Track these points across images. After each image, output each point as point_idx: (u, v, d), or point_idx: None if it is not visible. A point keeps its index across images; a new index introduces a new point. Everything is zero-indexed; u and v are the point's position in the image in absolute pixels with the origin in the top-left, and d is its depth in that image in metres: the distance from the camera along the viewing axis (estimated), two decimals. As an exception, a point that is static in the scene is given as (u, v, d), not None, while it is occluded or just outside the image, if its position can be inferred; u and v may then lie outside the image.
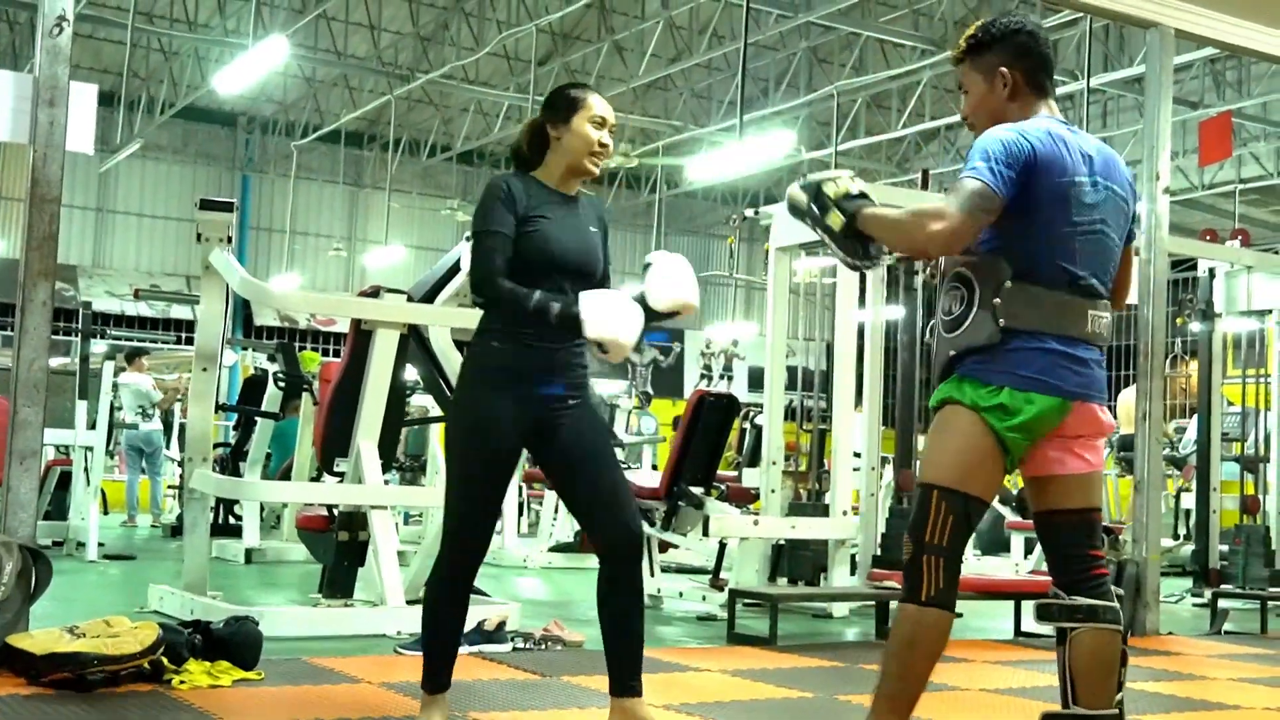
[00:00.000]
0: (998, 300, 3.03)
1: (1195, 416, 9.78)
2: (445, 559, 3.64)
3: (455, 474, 3.60)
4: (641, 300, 3.60)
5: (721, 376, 19.55)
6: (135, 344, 14.26)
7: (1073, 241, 3.08)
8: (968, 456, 3.05)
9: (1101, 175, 3.15)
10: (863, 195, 3.13)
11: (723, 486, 8.30)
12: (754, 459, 10.50)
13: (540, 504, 11.04)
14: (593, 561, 10.95)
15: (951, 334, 3.10)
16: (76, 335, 11.33)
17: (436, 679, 3.70)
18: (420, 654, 5.17)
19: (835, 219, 3.11)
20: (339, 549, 6.33)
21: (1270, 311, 8.94)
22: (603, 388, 18.83)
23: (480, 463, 3.57)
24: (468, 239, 6.91)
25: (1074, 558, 3.14)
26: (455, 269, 6.83)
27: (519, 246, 3.53)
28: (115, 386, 12.32)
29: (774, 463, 7.37)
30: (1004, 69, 3.20)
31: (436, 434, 11.93)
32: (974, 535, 10.13)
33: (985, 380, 3.04)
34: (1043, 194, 3.04)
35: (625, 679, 3.65)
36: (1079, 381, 3.07)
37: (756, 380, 16.53)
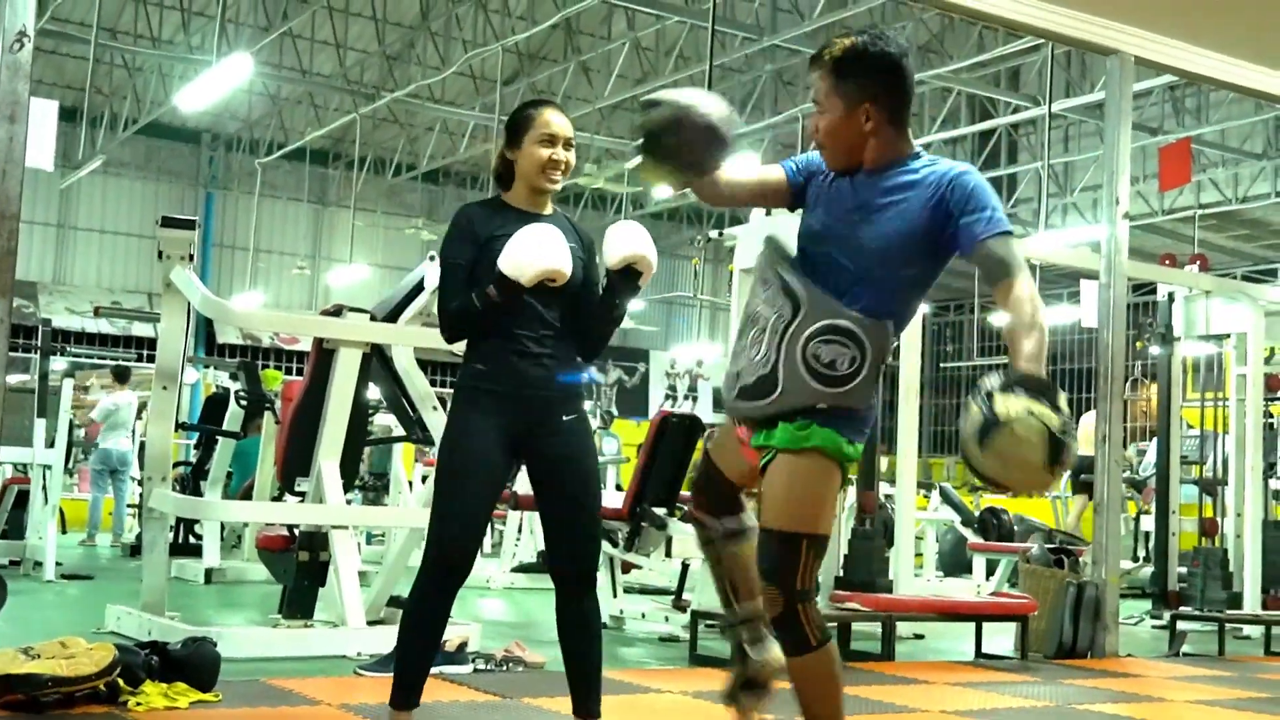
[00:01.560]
0: (881, 369, 3.10)
1: (1155, 439, 9.85)
2: (428, 573, 3.60)
3: (442, 487, 3.60)
4: (606, 272, 3.67)
5: (686, 397, 19.54)
6: (119, 362, 14.07)
7: None
8: (828, 503, 3.12)
9: None
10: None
11: (686, 507, 8.28)
12: (717, 480, 10.49)
13: (503, 524, 11.01)
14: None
15: (827, 388, 3.03)
16: (36, 352, 11.20)
17: (407, 696, 3.66)
18: (380, 675, 5.14)
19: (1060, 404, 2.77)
20: (299, 569, 6.28)
21: (1228, 336, 9.02)
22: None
23: (465, 473, 3.55)
24: (431, 258, 6.93)
25: (730, 496, 3.45)
26: (419, 288, 6.82)
27: (484, 271, 3.53)
28: (113, 410, 12.24)
29: (737, 484, 7.35)
30: (869, 105, 3.05)
31: (399, 454, 11.92)
32: (936, 557, 10.12)
33: (853, 437, 3.09)
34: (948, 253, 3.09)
35: (584, 702, 3.70)
36: None
37: (720, 401, 16.54)
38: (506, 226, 3.59)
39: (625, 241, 3.62)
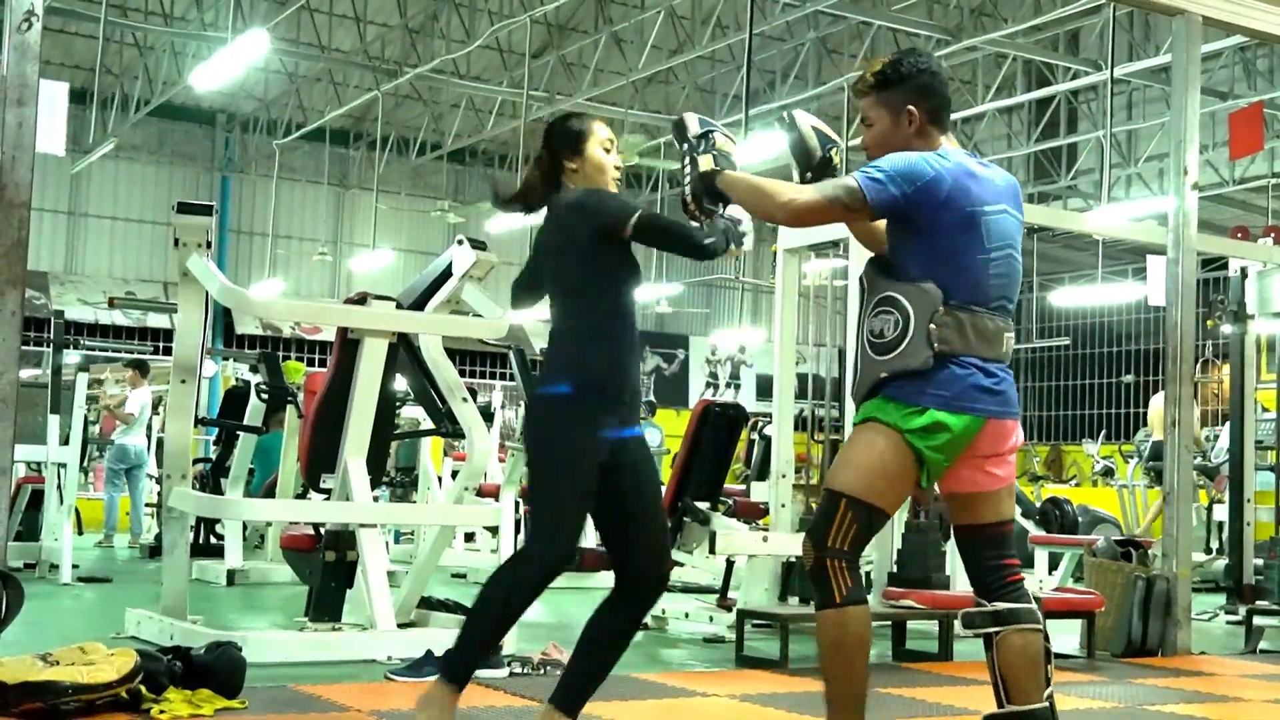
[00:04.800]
0: (933, 326, 3.37)
1: (1228, 423, 9.78)
2: (535, 574, 3.81)
3: (563, 493, 3.74)
4: None
5: (728, 385, 19.52)
6: (139, 356, 14.17)
7: (988, 268, 3.44)
8: (879, 471, 3.38)
9: (1008, 203, 3.51)
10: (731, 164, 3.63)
11: (730, 501, 8.29)
12: (763, 472, 10.49)
13: (538, 521, 11.03)
14: (593, 580, 10.93)
15: (883, 356, 3.41)
16: (48, 346, 11.31)
17: (466, 674, 3.81)
18: (411, 680, 5.19)
19: (708, 161, 3.61)
20: (326, 570, 6.33)
21: (1305, 312, 8.93)
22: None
23: (585, 485, 3.72)
24: (460, 242, 6.94)
25: (989, 568, 3.51)
26: (446, 274, 6.83)
27: (625, 254, 3.82)
28: (145, 405, 12.37)
29: (783, 475, 7.37)
30: (911, 107, 3.54)
31: (427, 448, 11.97)
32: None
33: (911, 402, 3.36)
34: (954, 223, 3.40)
35: (572, 702, 3.85)
36: (993, 401, 3.42)
37: (765, 388, 16.50)
38: None
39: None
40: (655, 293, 24.74)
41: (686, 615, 7.64)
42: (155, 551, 10.30)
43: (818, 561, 3.36)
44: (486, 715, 4.61)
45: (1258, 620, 7.63)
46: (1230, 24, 7.93)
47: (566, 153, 3.94)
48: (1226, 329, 9.29)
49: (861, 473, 3.38)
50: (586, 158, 3.93)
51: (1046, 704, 3.47)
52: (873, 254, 3.61)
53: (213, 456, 12.22)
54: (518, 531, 12.02)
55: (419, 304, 6.88)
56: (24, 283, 4.72)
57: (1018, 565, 3.56)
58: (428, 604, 6.72)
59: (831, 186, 3.41)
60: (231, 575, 9.43)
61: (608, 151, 3.97)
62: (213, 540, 10.93)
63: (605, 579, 10.50)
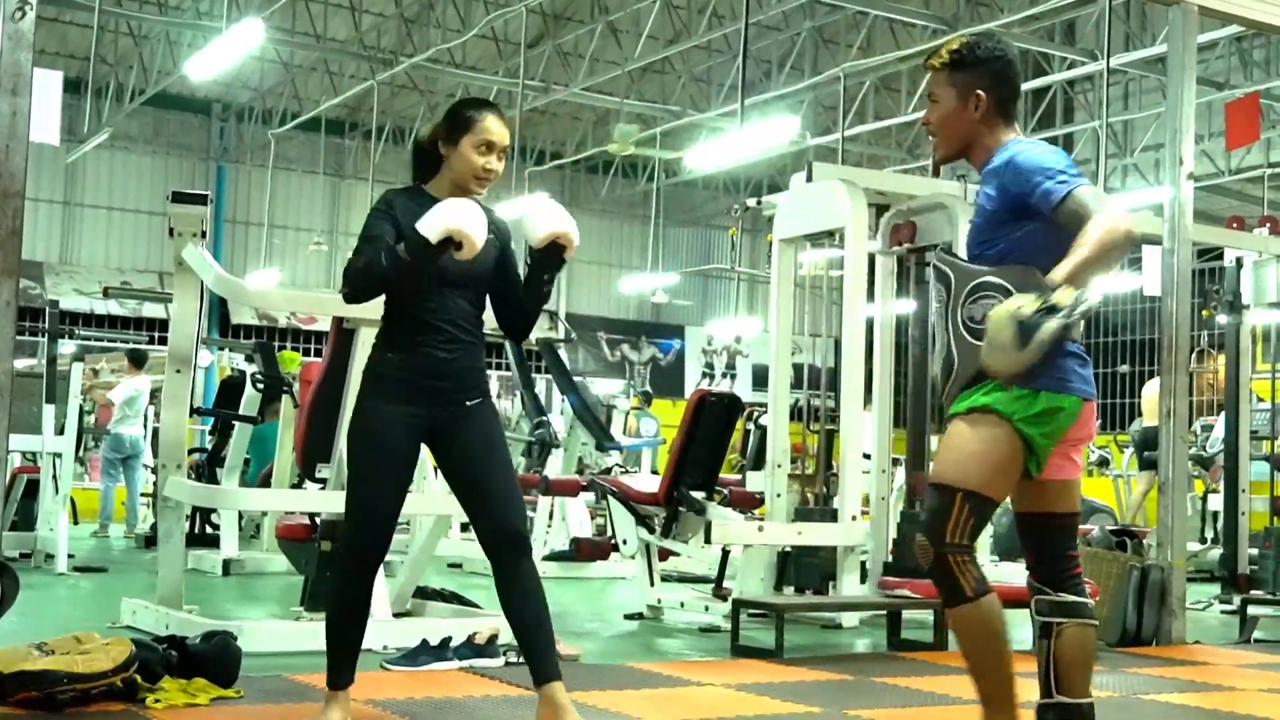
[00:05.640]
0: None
1: (1223, 413, 9.80)
2: (347, 567, 3.94)
3: (354, 478, 3.90)
4: (528, 249, 3.87)
5: (724, 375, 19.56)
6: (134, 346, 14.15)
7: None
8: (990, 461, 3.33)
9: None
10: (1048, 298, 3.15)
11: (725, 491, 8.29)
12: (758, 462, 10.49)
13: (534, 511, 11.05)
14: (590, 571, 10.91)
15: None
16: (43, 335, 11.30)
17: (340, 675, 3.91)
18: (408, 669, 5.20)
19: (1065, 297, 3.12)
20: (322, 560, 6.32)
21: (1301, 302, 8.95)
22: (599, 388, 18.80)
23: (377, 466, 3.85)
24: None
25: (1059, 558, 3.48)
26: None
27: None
28: (135, 395, 12.36)
29: (779, 465, 7.37)
30: (980, 91, 3.51)
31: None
32: (992, 541, 10.25)
33: (1024, 385, 3.28)
34: None
35: (545, 668, 3.85)
36: (1087, 382, 3.40)
37: (761, 379, 16.51)
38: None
39: (547, 219, 3.79)
40: (651, 283, 24.74)
41: (682, 605, 7.64)
42: (151, 541, 10.31)
43: (939, 558, 3.33)
44: (484, 705, 4.61)
45: (1252, 610, 7.64)
46: (1226, 14, 7.93)
47: (444, 139, 3.86)
48: (1222, 319, 9.30)
49: (973, 464, 3.33)
50: (457, 151, 3.81)
51: (1092, 700, 3.44)
52: (938, 243, 3.55)
53: (208, 446, 12.21)
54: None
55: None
56: (19, 272, 4.72)
57: (1079, 557, 3.57)
58: (423, 594, 6.73)
59: (1091, 208, 3.22)
60: (227, 565, 9.43)
61: (486, 151, 3.81)
62: (208, 530, 10.92)
63: (600, 569, 10.55)
